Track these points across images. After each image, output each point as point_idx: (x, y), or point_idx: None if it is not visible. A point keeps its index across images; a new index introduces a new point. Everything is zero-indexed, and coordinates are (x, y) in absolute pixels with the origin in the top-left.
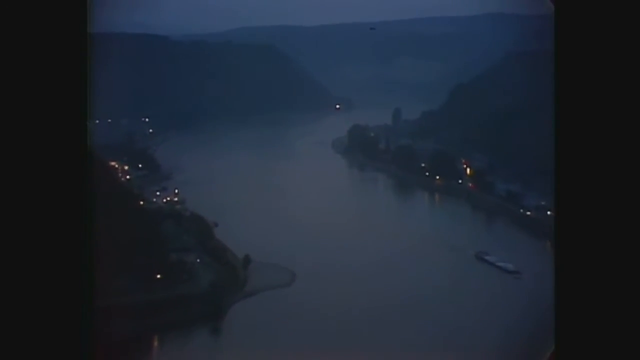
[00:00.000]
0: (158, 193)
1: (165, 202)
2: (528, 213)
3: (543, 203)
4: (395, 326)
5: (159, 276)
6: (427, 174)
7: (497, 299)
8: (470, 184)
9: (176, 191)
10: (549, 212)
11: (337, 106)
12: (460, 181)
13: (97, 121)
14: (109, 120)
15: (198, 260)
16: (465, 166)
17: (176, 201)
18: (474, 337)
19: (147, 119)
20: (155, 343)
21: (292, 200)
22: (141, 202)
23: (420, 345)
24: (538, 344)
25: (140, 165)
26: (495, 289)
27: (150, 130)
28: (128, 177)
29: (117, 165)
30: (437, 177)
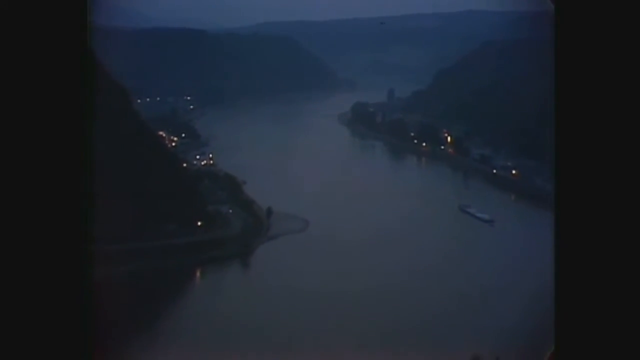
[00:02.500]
0: (197, 157)
1: (203, 165)
2: (501, 173)
3: (509, 164)
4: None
5: (199, 223)
6: (415, 141)
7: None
8: (450, 150)
9: (210, 155)
10: (513, 172)
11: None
12: (442, 147)
13: (148, 99)
14: (158, 99)
15: (230, 211)
16: (446, 135)
17: (212, 164)
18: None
19: (188, 97)
20: (198, 274)
21: (305, 163)
22: (184, 164)
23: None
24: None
25: (183, 135)
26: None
27: (191, 107)
28: (174, 144)
29: (164, 135)
30: (424, 144)
